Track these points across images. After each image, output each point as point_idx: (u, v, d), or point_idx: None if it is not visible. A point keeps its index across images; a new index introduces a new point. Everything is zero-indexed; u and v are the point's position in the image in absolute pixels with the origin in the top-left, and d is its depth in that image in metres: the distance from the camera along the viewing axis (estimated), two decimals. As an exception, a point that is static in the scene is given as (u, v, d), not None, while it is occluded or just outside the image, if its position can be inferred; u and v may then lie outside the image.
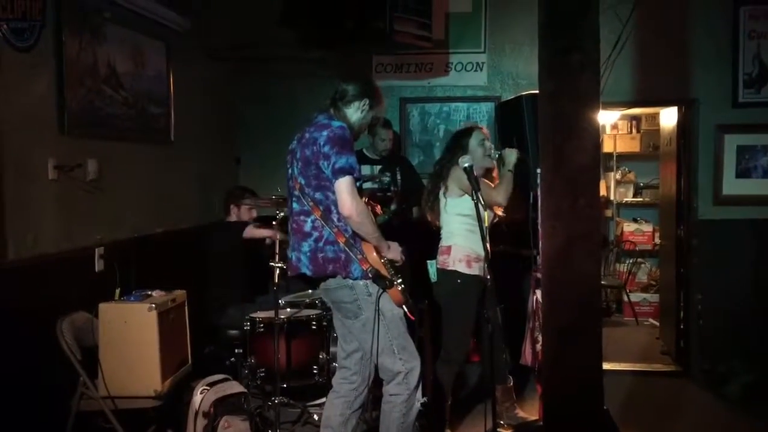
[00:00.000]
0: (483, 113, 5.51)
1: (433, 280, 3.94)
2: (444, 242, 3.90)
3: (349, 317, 3.13)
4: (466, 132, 3.99)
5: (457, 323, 3.87)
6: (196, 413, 3.44)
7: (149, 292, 3.58)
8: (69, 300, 3.46)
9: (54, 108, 3.48)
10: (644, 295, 7.21)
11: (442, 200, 3.90)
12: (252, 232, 4.49)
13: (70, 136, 3.56)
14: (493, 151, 3.97)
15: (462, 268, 3.80)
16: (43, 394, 3.30)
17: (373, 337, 3.03)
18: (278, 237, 4.00)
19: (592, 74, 2.83)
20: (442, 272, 3.87)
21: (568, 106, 2.83)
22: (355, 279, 3.03)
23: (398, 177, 4.92)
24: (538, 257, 3.71)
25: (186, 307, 3.79)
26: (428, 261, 3.93)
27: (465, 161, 3.34)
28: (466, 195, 3.74)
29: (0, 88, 3.11)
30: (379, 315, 3.03)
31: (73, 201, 3.61)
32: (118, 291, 3.61)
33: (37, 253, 3.34)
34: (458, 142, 3.95)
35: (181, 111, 4.70)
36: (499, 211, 3.95)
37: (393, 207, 4.67)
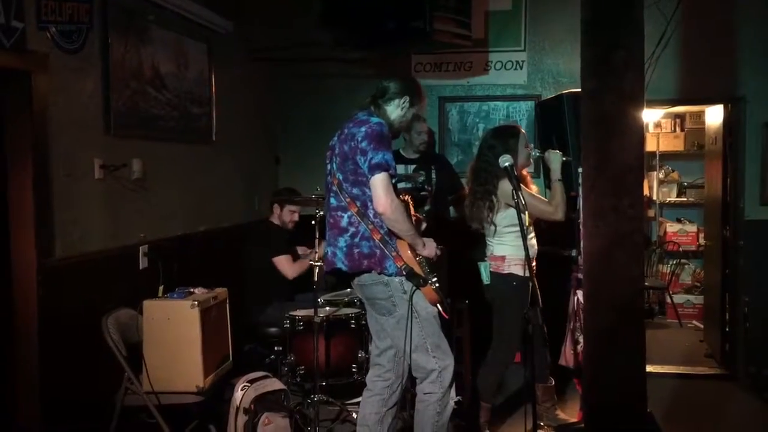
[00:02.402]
0: (523, 112, 5.46)
1: (485, 283, 3.90)
2: (496, 252, 3.83)
3: (383, 314, 3.13)
4: (513, 132, 3.87)
5: (510, 325, 3.81)
6: (237, 409, 3.48)
7: (191, 290, 3.63)
8: (114, 296, 3.54)
9: (100, 109, 3.56)
10: (688, 296, 7.07)
11: (491, 215, 3.81)
12: (282, 264, 4.52)
13: (116, 136, 3.64)
14: (533, 152, 3.92)
15: (518, 270, 3.76)
16: (89, 388, 3.38)
17: (406, 335, 3.02)
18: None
19: (636, 72, 2.79)
20: (497, 276, 3.82)
21: (611, 105, 2.80)
22: (390, 275, 3.03)
23: (433, 176, 4.90)
24: (579, 257, 3.66)
25: (227, 305, 3.84)
26: (480, 263, 3.89)
27: (506, 160, 3.30)
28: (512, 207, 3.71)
29: (48, 90, 3.20)
30: (413, 313, 3.02)
31: (118, 200, 3.68)
32: (161, 288, 3.67)
33: (84, 251, 3.42)
34: (505, 144, 3.78)
35: (222, 111, 4.77)
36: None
37: (427, 207, 4.67)
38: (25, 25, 3.03)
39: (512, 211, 3.69)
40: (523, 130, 3.96)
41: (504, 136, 3.87)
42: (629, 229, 2.81)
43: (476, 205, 3.85)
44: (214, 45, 4.65)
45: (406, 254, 3.02)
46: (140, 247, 3.83)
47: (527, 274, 3.68)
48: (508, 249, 3.79)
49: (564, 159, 3.80)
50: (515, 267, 3.76)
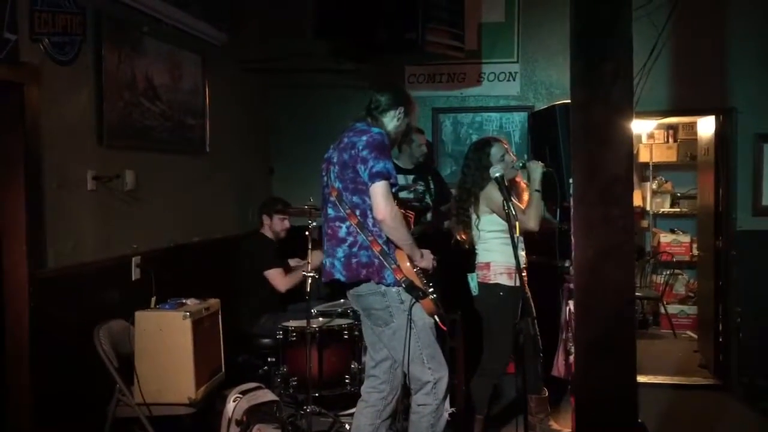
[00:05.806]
0: (516, 123, 5.49)
1: (474, 294, 3.91)
2: (482, 259, 3.86)
3: (379, 324, 3.12)
4: (486, 143, 3.91)
5: (501, 336, 3.82)
6: (229, 421, 3.47)
7: (184, 301, 3.63)
8: (106, 308, 3.54)
9: (93, 120, 3.57)
10: (682, 307, 7.08)
11: (474, 218, 3.87)
12: (274, 278, 4.51)
13: (109, 147, 3.64)
14: (516, 162, 3.91)
15: (504, 280, 3.77)
16: (81, 400, 3.37)
17: (405, 346, 3.02)
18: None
19: (625, 83, 2.80)
20: (484, 286, 3.83)
21: (600, 116, 2.80)
22: (388, 285, 3.03)
23: (431, 186, 4.92)
24: (570, 268, 3.67)
25: (220, 316, 3.84)
26: (469, 274, 3.90)
27: (496, 171, 3.32)
28: (495, 213, 3.73)
29: (41, 101, 3.20)
30: (410, 323, 3.02)
31: (111, 211, 3.69)
32: (153, 299, 3.67)
33: (76, 262, 3.42)
34: (481, 154, 3.87)
35: (216, 122, 4.78)
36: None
37: (429, 217, 4.69)
38: (18, 37, 3.04)
39: (495, 217, 3.73)
40: (505, 141, 3.97)
41: (478, 150, 3.92)
42: (619, 240, 2.81)
43: (460, 219, 3.91)
44: (207, 56, 4.66)
45: (405, 266, 3.02)
46: (133, 258, 3.83)
47: (516, 284, 3.70)
48: (493, 255, 3.81)
49: (545, 170, 3.81)
50: (501, 276, 3.77)
